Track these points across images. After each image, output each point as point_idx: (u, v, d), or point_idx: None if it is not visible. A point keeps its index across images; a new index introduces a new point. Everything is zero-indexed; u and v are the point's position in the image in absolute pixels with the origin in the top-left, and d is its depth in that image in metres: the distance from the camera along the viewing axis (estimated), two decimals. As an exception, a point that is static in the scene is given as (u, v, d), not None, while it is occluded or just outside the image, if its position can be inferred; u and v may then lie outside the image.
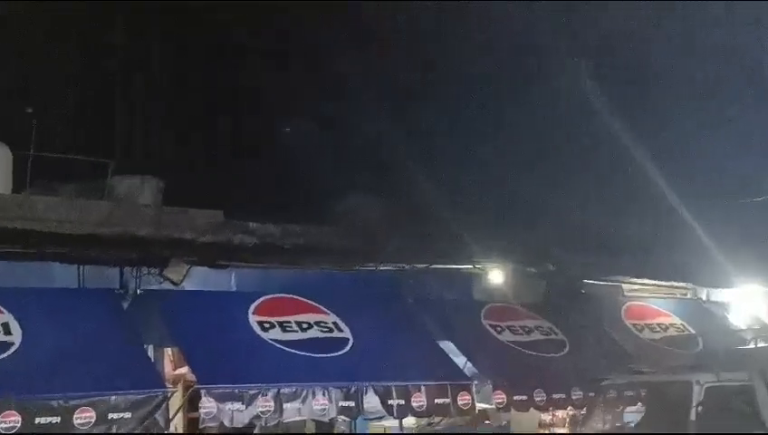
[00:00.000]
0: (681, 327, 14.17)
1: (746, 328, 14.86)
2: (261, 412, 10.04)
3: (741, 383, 10.39)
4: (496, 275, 13.51)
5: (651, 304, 14.84)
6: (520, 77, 15.37)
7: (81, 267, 10.89)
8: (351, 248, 12.39)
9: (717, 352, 11.32)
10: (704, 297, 15.62)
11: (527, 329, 12.98)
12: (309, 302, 11.78)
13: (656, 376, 11.06)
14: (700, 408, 10.12)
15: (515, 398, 11.57)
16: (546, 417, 13.53)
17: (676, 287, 15.50)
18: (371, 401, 10.63)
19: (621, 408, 11.96)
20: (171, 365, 11.87)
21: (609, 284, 14.79)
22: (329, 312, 11.74)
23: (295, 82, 14.03)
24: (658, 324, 14.08)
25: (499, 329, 12.82)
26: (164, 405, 9.59)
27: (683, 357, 13.21)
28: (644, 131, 14.74)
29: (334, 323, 11.60)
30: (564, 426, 14.05)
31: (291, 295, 11.80)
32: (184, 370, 11.57)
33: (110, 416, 9.24)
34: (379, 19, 14.30)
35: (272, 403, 10.08)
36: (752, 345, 11.67)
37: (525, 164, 14.98)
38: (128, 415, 9.31)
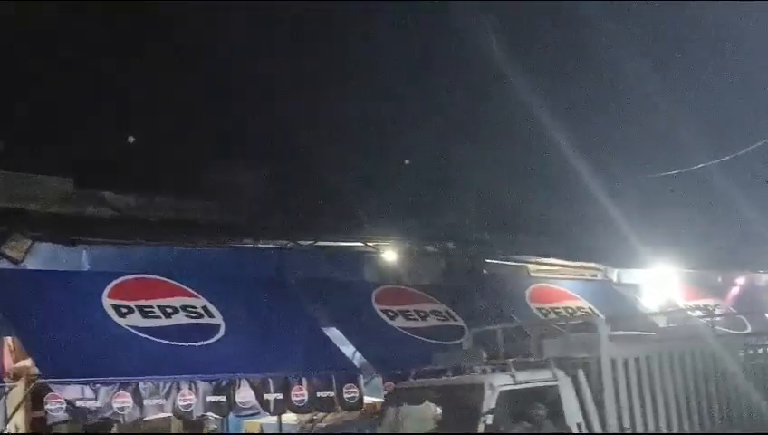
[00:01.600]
0: (589, 311, 14.02)
1: (659, 311, 14.91)
2: (118, 409, 9.52)
3: (545, 384, 9.39)
4: (390, 254, 13.24)
5: (558, 285, 14.69)
6: (428, 48, 15.03)
7: None
8: (227, 223, 11.97)
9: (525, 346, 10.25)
10: (614, 279, 15.60)
11: (422, 314, 12.64)
12: (175, 283, 11.24)
13: (448, 379, 9.79)
14: (489, 418, 8.86)
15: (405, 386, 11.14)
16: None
17: (586, 268, 15.47)
18: (245, 396, 10.24)
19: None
20: (11, 357, 11.07)
21: (514, 263, 14.64)
22: (198, 295, 11.22)
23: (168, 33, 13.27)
24: (565, 308, 13.90)
25: (392, 314, 12.45)
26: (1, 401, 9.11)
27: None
28: (556, 109, 14.62)
29: (204, 307, 11.10)
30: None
31: (154, 276, 11.23)
32: (27, 362, 10.80)
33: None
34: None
35: (130, 399, 9.59)
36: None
37: (425, 135, 14.62)
38: (-46, 413, 8.66)
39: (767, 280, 17.80)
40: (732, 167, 16.38)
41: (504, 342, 10.45)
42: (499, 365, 9.61)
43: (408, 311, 12.63)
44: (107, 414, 9.44)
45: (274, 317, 11.54)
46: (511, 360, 9.60)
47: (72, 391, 9.24)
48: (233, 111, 13.21)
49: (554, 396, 9.40)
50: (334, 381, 10.80)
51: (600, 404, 9.55)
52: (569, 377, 9.53)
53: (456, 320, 12.75)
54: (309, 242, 12.50)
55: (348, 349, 11.67)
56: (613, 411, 9.59)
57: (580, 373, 9.57)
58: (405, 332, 12.25)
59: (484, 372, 9.51)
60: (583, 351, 9.73)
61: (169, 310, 10.80)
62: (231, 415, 10.67)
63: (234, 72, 13.45)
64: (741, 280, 17.05)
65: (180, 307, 10.90)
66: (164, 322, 10.62)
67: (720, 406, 10.52)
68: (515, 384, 9.23)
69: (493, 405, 8.95)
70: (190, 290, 11.22)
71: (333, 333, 11.87)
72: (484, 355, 10.04)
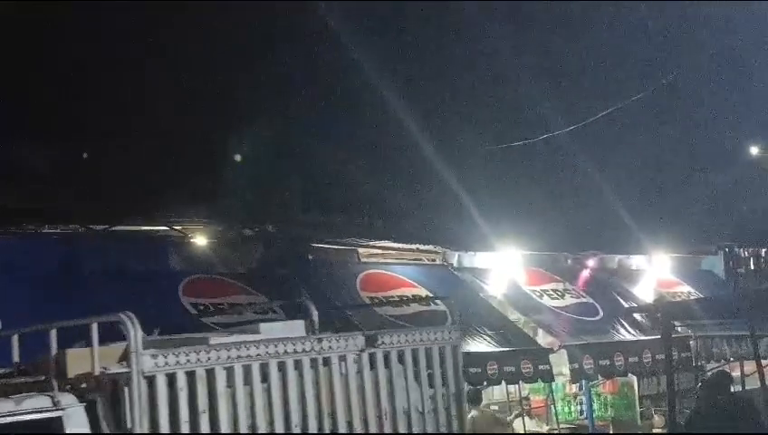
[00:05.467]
0: (427, 300, 14.04)
1: (501, 296, 15.12)
2: None
3: (40, 416, 7.58)
4: (201, 240, 12.98)
5: (393, 271, 14.66)
6: (254, 16, 14.74)
7: None
8: (4, 205, 11.45)
9: None
10: (455, 263, 15.69)
11: (238, 307, 12.34)
12: (-63, 279, 10.63)
13: None
14: None
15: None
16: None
17: (423, 252, 15.47)
18: (24, 409, 9.61)
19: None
20: None
21: (343, 247, 14.51)
22: (-33, 292, 10.61)
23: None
24: (401, 297, 13.87)
25: (202, 308, 12.15)
26: None
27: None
28: (392, 77, 14.62)
29: (-27, 306, 10.42)
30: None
31: None
32: None
33: None
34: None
35: None
36: None
37: (244, 106, 14.33)
38: None
39: (619, 262, 18.35)
40: (581, 139, 16.81)
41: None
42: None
43: (222, 304, 12.36)
44: None
45: (62, 315, 10.92)
46: None
47: None
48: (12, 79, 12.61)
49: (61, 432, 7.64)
50: (134, 387, 10.40)
51: None
52: (82, 404, 7.76)
53: (276, 313, 12.51)
54: (103, 227, 12.10)
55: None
56: None
57: (100, 399, 7.79)
58: (217, 328, 11.93)
59: None
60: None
61: (-73, 311, 10.11)
62: None
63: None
64: (591, 262, 17.49)
65: (-58, 307, 10.25)
66: None
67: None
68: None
69: None
70: (-43, 286, 10.60)
71: (134, 332, 11.46)
72: None
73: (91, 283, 11.87)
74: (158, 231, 12.82)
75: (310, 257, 13.88)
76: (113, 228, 12.23)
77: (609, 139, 17.64)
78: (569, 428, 16.65)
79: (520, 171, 16.19)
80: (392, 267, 14.84)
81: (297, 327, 9.33)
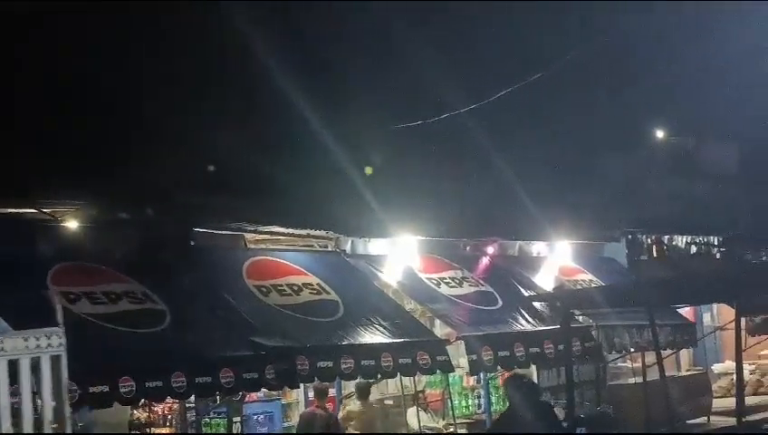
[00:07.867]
0: (318, 288, 13.73)
1: (397, 285, 14.92)
2: None
3: None
4: (72, 224, 12.44)
5: (281, 258, 14.30)
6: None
7: None
8: None
9: None
10: (348, 249, 15.39)
11: (113, 296, 11.87)
12: None
13: None
14: None
15: (92, 390, 10.39)
16: (141, 414, 12.75)
17: (315, 237, 15.14)
18: None
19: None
20: None
21: (228, 233, 14.10)
22: None
23: None
24: (289, 285, 13.53)
25: (73, 297, 11.55)
26: None
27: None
28: (282, 49, 14.20)
29: None
30: (167, 425, 13.33)
31: None
32: None
33: None
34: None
35: None
36: None
37: (115, 74, 13.72)
38: None
39: (519, 248, 18.27)
40: (481, 121, 16.62)
41: None
42: None
43: (94, 293, 11.78)
44: None
45: None
46: None
47: None
48: None
49: None
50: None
51: None
52: None
53: (155, 303, 12.03)
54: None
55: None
56: None
57: None
58: (90, 318, 11.39)
59: None
60: None
61: None
62: None
63: None
64: (491, 249, 17.36)
65: None
66: None
67: None
68: None
69: None
70: None
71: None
72: None
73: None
74: (24, 214, 12.17)
75: (192, 243, 13.42)
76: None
77: (510, 122, 17.52)
78: (466, 423, 16.55)
79: (416, 154, 15.91)
80: (281, 254, 14.49)
81: None
